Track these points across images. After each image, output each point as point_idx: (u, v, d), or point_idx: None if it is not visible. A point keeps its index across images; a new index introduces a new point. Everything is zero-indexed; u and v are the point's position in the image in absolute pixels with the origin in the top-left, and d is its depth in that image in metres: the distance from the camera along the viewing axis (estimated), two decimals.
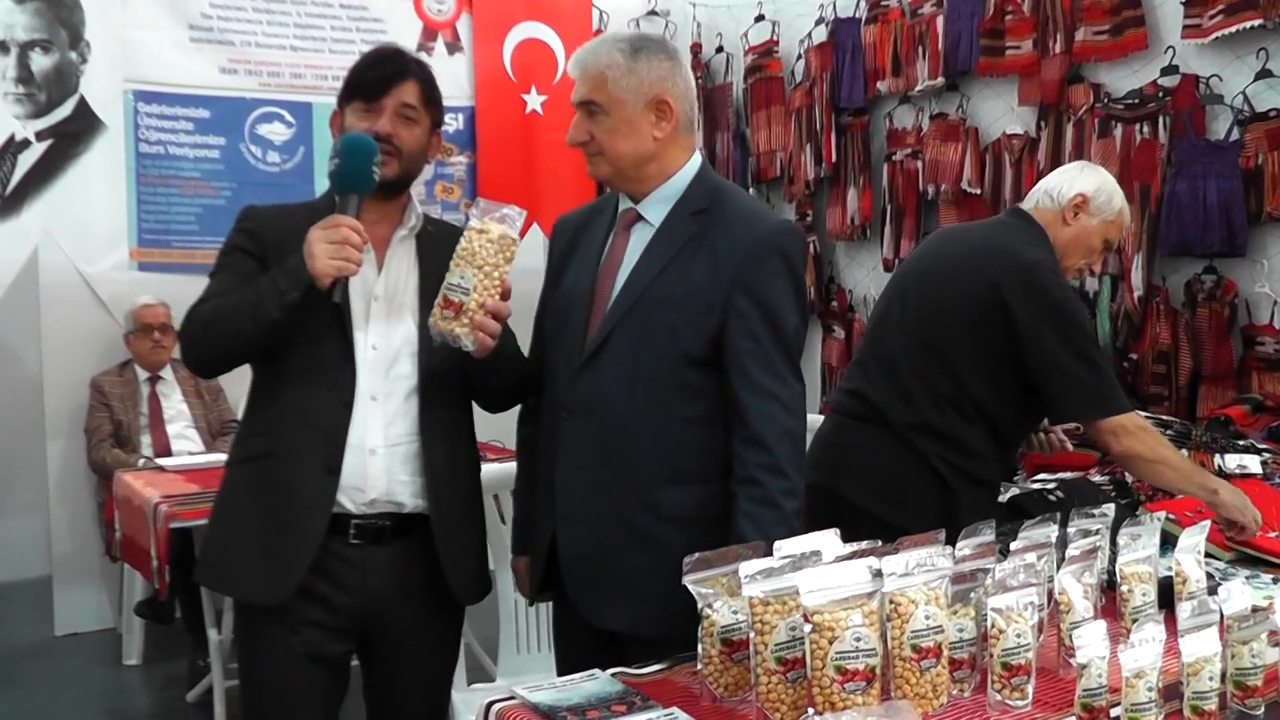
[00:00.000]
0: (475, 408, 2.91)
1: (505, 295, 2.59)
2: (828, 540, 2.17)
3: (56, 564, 6.24)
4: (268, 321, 2.58)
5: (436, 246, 2.71)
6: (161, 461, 5.53)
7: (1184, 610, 2.10)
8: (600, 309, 2.67)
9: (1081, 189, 3.45)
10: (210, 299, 2.69)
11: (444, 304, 2.55)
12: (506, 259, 2.57)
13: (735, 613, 2.07)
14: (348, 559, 2.71)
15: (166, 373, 6.15)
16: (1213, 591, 2.37)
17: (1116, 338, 5.29)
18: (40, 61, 5.97)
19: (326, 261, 2.52)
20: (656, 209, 2.68)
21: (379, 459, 2.70)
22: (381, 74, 2.75)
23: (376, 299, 2.74)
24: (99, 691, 5.50)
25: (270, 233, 2.76)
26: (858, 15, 6.70)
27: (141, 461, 5.67)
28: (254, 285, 2.61)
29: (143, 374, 6.13)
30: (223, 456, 5.24)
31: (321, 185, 6.46)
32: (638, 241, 2.68)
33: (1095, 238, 3.48)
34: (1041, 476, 3.92)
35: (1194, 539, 2.53)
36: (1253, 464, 3.80)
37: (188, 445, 6.04)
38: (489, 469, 3.02)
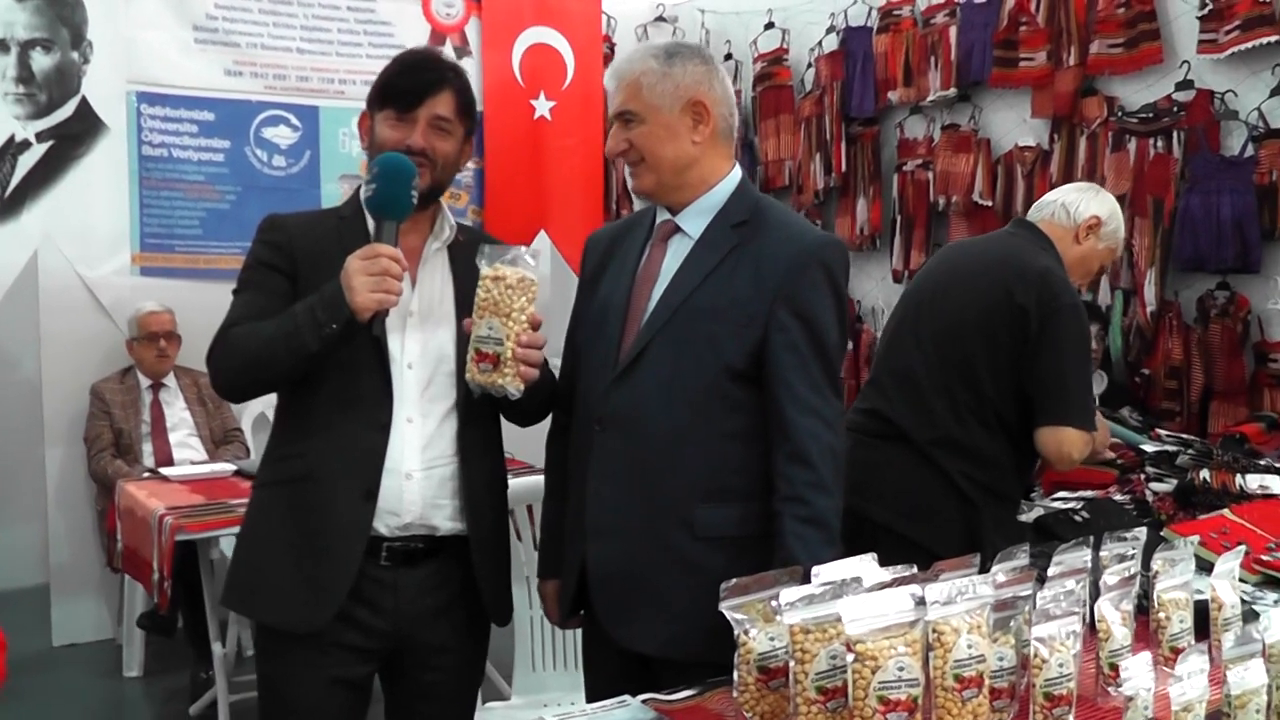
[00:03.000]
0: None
1: (536, 327, 2.54)
2: (866, 566, 2.12)
3: (54, 573, 6.17)
4: (304, 354, 2.51)
5: (470, 256, 2.60)
6: (165, 471, 5.45)
7: (1227, 640, 2.07)
8: (636, 320, 2.62)
9: (1097, 212, 3.55)
10: (239, 322, 2.62)
11: (478, 358, 2.51)
12: (530, 299, 2.52)
13: (772, 639, 2.02)
14: (379, 580, 2.65)
15: (169, 380, 6.09)
16: (1248, 617, 2.34)
17: (1129, 352, 5.28)
18: (41, 61, 5.88)
19: (367, 295, 2.45)
20: (695, 221, 2.64)
21: (415, 483, 2.65)
22: (416, 83, 2.67)
23: (411, 314, 2.68)
24: (99, 704, 5.47)
25: (299, 245, 2.68)
26: (869, 24, 6.66)
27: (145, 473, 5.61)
28: (290, 315, 2.53)
29: (145, 381, 6.06)
30: (226, 466, 5.32)
31: (328, 189, 6.52)
32: (675, 253, 2.64)
33: (1095, 261, 3.60)
34: (1061, 495, 3.91)
35: (1229, 564, 2.48)
36: (1275, 484, 3.78)
37: (190, 454, 5.98)
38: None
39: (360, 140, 2.78)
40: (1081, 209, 3.53)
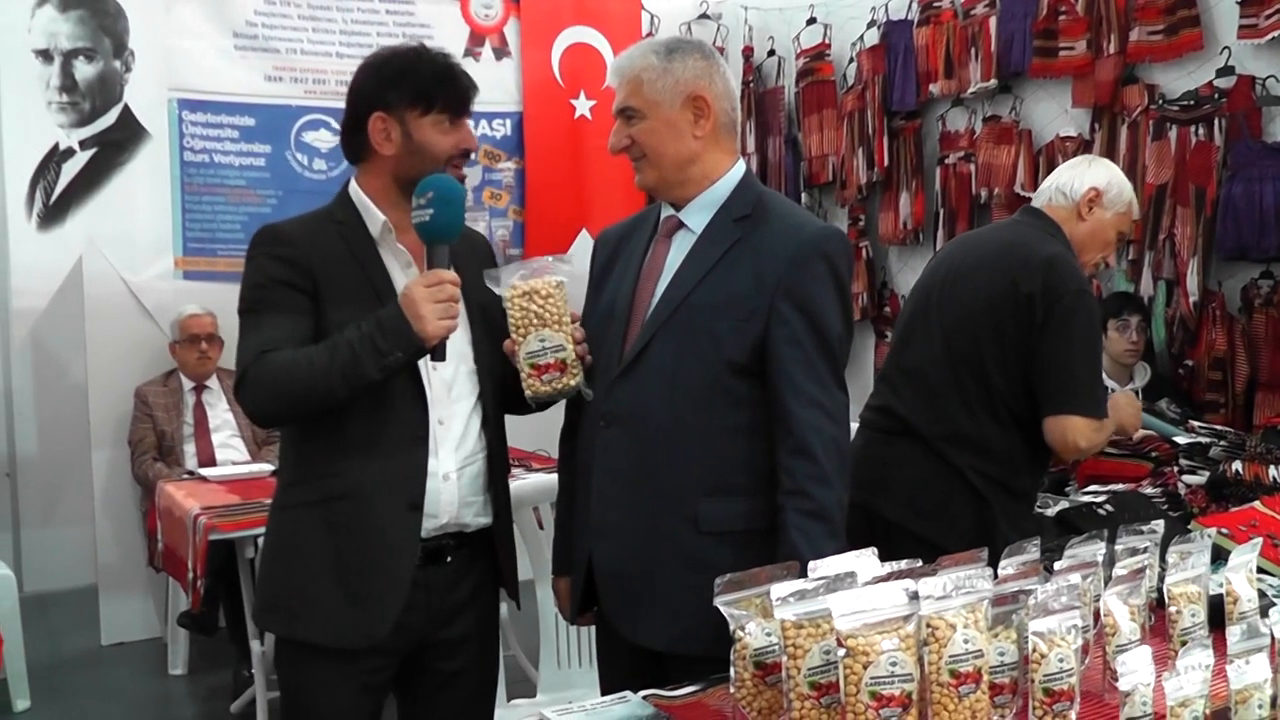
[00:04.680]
0: None
1: (576, 320, 2.59)
2: (865, 560, 2.10)
3: (102, 573, 6.25)
4: (364, 384, 2.48)
5: (456, 250, 2.58)
6: (204, 472, 5.53)
7: (1233, 634, 2.03)
8: (640, 317, 2.62)
9: (1093, 183, 3.47)
10: (274, 348, 2.53)
11: (538, 371, 2.53)
12: (565, 298, 2.55)
13: (769, 635, 2.01)
14: (412, 580, 2.65)
15: (212, 381, 6.15)
16: (1265, 611, 2.29)
17: (1172, 344, 5.22)
18: (84, 70, 5.97)
19: (438, 323, 2.44)
20: (698, 216, 2.64)
21: (451, 484, 2.66)
22: (468, 87, 2.68)
23: None
24: (144, 701, 5.52)
25: (313, 258, 2.61)
26: (910, 17, 6.61)
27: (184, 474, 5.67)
28: (343, 344, 2.47)
29: (188, 383, 6.13)
30: (266, 466, 5.33)
31: None
32: (679, 249, 2.64)
33: (1110, 230, 3.49)
34: (1093, 488, 3.86)
35: (1246, 556, 2.44)
36: None
37: (233, 454, 6.04)
38: (536, 480, 2.95)
39: (379, 146, 2.68)
40: (1077, 184, 3.46)
